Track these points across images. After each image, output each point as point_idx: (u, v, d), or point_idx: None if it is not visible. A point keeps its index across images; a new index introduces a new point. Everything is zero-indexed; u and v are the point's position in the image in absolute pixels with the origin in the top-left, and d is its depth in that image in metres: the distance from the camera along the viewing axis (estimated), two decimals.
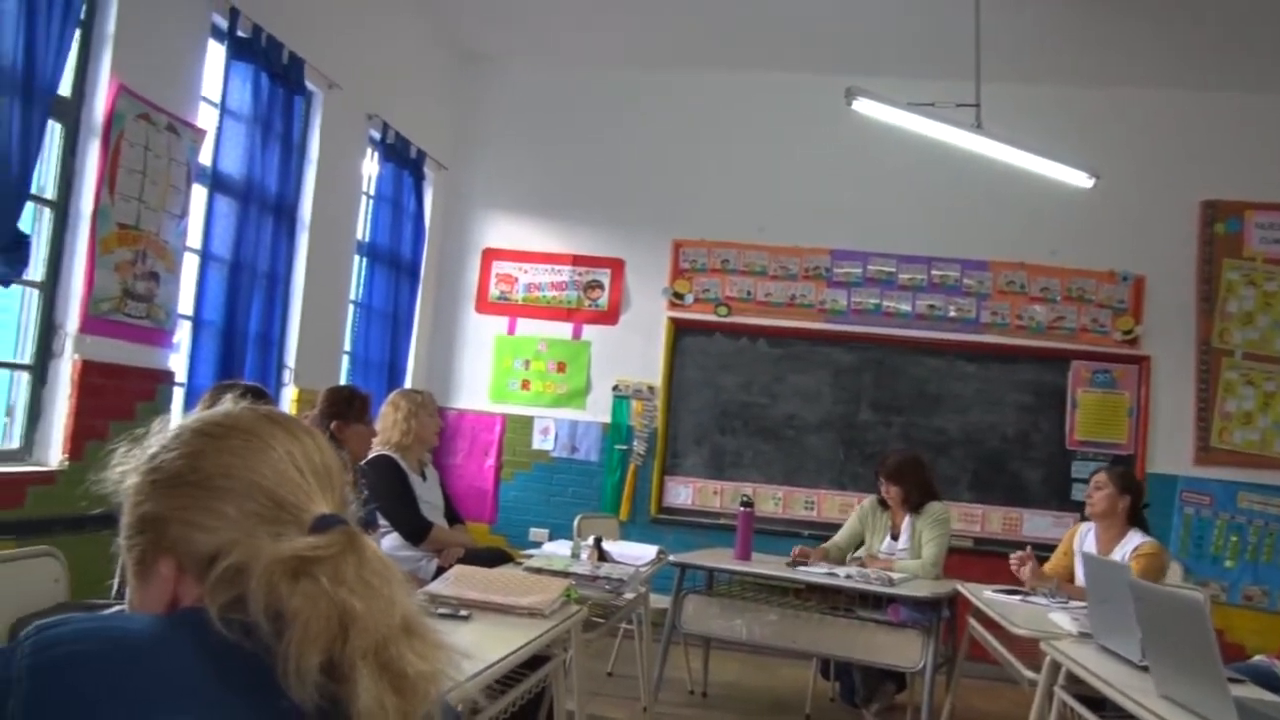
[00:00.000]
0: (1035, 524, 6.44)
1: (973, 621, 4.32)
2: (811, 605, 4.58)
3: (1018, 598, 4.09)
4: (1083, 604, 3.69)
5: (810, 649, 4.75)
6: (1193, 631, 2.30)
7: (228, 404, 1.11)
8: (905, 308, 6.75)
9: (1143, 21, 5.65)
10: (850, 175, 6.76)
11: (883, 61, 6.34)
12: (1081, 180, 5.27)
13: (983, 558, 6.14)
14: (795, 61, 6.69)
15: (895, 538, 4.99)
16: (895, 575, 4.51)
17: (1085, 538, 4.38)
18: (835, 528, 5.35)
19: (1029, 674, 3.45)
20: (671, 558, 4.76)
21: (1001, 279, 6.65)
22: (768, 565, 4.76)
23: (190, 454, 1.03)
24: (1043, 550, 4.69)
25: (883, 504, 5.06)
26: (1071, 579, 4.30)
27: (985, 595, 4.14)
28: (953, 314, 6.69)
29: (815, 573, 4.58)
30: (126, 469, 1.06)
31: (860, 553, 5.08)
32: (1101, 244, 6.54)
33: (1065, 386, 6.55)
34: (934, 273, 6.73)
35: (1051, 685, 3.13)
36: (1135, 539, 4.15)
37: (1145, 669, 2.66)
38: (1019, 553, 4.29)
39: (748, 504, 5.01)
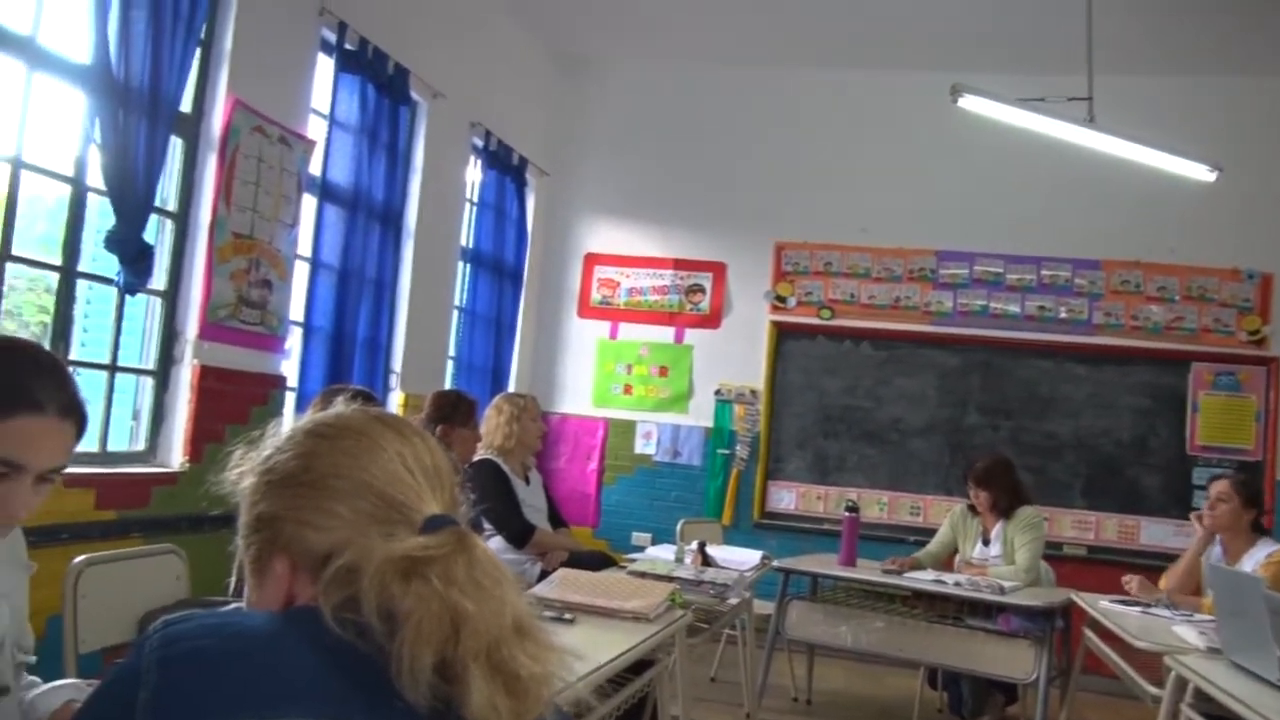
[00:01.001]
0: (1153, 533, 6.20)
1: (1088, 632, 4.16)
2: (919, 613, 4.48)
3: (1137, 609, 3.93)
4: (1208, 617, 3.54)
5: (917, 657, 4.65)
6: None
7: (339, 406, 1.12)
8: (1014, 309, 6.58)
9: (1263, 6, 5.41)
10: (956, 174, 6.63)
11: (989, 57, 6.20)
12: (1203, 174, 5.05)
13: (1097, 567, 5.96)
14: (899, 59, 6.58)
15: (986, 543, 4.85)
16: (1006, 584, 4.39)
17: (1211, 549, 4.19)
18: None
19: (1152, 689, 3.31)
20: (775, 563, 4.73)
21: (1115, 278, 6.43)
22: (873, 571, 4.68)
23: (303, 454, 1.05)
24: (1164, 561, 4.51)
25: (973, 509, 4.93)
26: (1196, 590, 4.13)
27: (1102, 605, 3.99)
28: (1063, 315, 6.50)
29: (922, 579, 4.49)
30: (243, 470, 1.08)
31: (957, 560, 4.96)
32: (1224, 240, 6.27)
33: (1185, 389, 6.29)
34: (1044, 273, 6.55)
35: (1178, 703, 2.99)
36: (1267, 546, 3.95)
37: None
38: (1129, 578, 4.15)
39: (853, 509, 4.93)
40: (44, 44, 3.34)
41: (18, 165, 3.31)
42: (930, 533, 5.29)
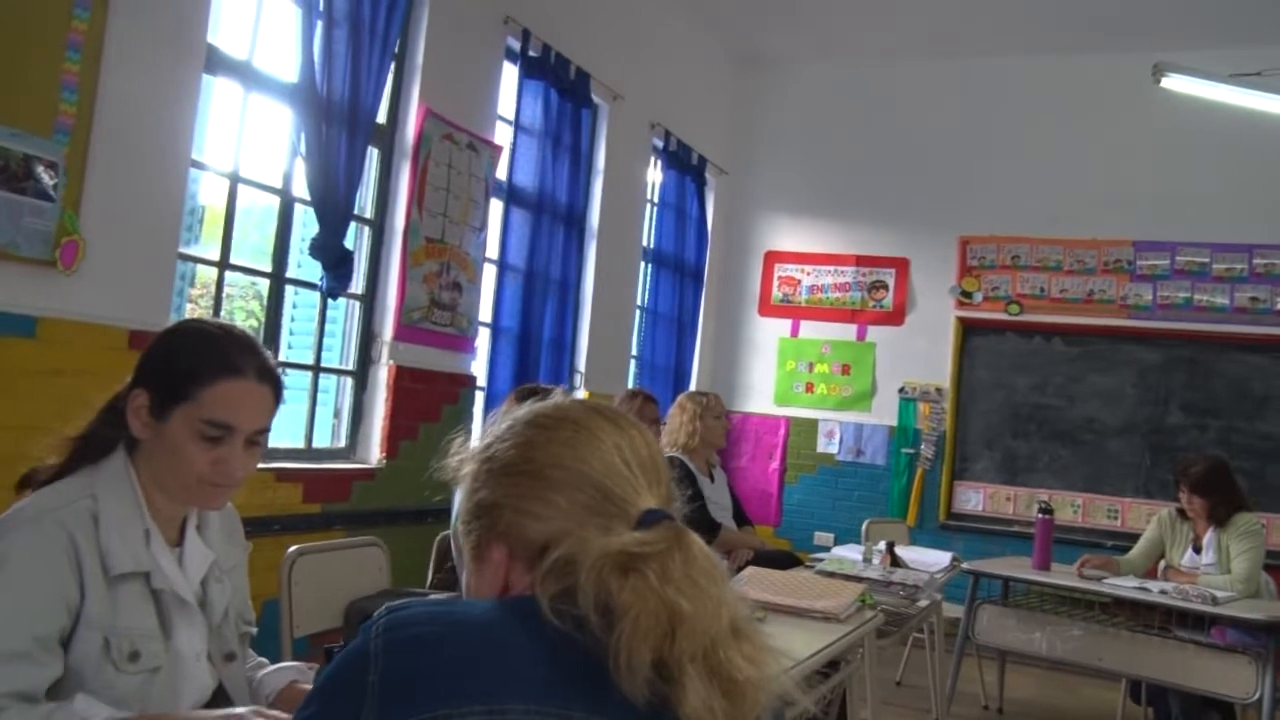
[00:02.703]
0: None
1: None
2: (1120, 621, 4.25)
3: None
4: None
5: (1119, 669, 4.42)
6: None
7: (557, 397, 1.13)
8: (1221, 301, 6.18)
9: None
10: (1155, 159, 6.27)
11: (1193, 31, 5.83)
12: None
13: None
14: (1092, 41, 6.27)
15: (1198, 551, 4.54)
16: (1219, 593, 4.11)
17: None
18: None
19: None
20: (965, 565, 4.58)
21: None
22: (1069, 576, 4.47)
23: (523, 444, 1.06)
24: None
25: (1182, 514, 4.62)
26: None
27: None
28: None
29: (1125, 586, 4.26)
30: (463, 458, 1.10)
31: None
32: None
33: None
34: (1257, 261, 6.12)
35: None
36: None
37: None
38: None
39: (1047, 511, 4.73)
40: (258, 66, 3.57)
41: (235, 180, 3.55)
42: (1129, 537, 5.03)
